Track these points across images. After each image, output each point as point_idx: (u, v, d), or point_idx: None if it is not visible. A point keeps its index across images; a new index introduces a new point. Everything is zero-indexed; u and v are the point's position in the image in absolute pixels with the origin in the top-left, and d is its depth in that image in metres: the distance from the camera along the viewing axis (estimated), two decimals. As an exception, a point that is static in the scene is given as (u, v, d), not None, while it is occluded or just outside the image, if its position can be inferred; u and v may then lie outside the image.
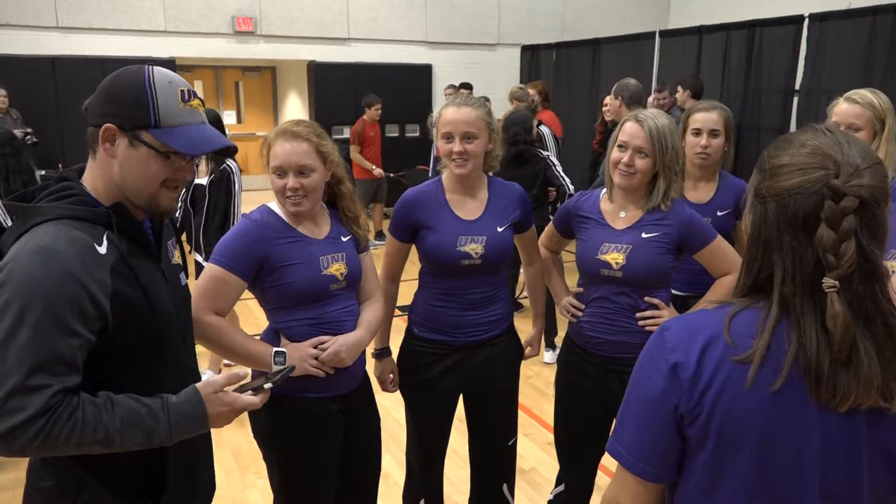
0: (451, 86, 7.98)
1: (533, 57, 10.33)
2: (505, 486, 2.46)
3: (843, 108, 2.30)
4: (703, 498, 1.01)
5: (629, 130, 2.07)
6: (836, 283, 0.91)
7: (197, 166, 3.90)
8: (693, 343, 1.00)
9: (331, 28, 9.55)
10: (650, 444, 1.03)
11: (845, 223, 0.91)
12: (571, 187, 4.39)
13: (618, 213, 2.16)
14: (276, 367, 1.84)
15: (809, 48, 6.53)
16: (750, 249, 1.02)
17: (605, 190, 2.21)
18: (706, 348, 0.98)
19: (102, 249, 1.28)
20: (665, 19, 10.82)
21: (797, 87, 6.68)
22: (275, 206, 1.95)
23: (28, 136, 7.19)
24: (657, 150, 2.05)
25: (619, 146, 2.09)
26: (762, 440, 0.95)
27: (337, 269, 1.93)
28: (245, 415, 2.05)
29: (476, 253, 2.14)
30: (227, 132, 7.31)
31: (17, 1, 8.05)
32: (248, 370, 1.83)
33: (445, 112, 2.12)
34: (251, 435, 2.04)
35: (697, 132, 2.58)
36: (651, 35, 8.31)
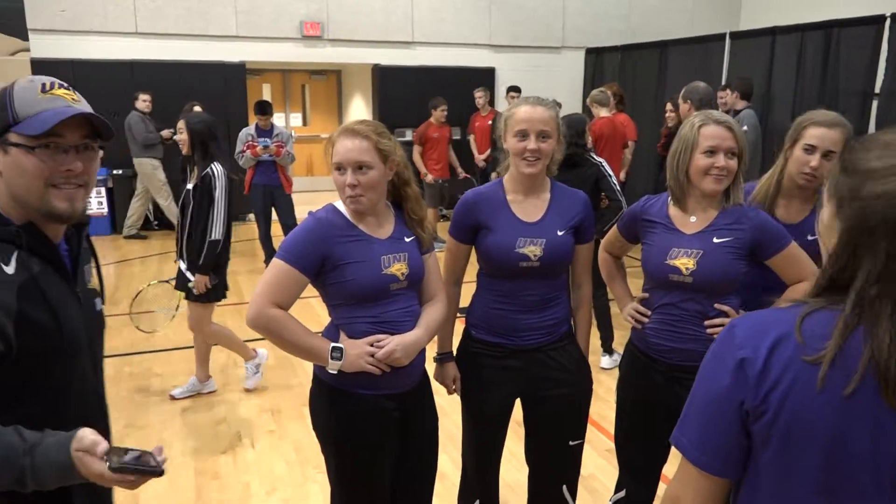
0: (513, 87, 8.00)
1: (598, 60, 10.21)
2: (565, 488, 2.42)
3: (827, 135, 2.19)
4: (769, 497, 1.01)
5: (716, 134, 2.02)
6: None
7: (190, 172, 3.86)
8: (763, 340, 0.99)
9: (395, 32, 9.67)
10: (715, 438, 1.03)
11: None
12: (624, 200, 4.32)
13: (688, 218, 2.12)
14: (331, 363, 1.89)
15: (891, 49, 6.24)
16: (837, 250, 0.99)
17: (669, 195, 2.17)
18: (775, 346, 0.98)
19: (10, 269, 1.23)
20: (736, 20, 10.52)
21: (877, 90, 6.40)
22: (340, 204, 1.99)
23: (174, 138, 7.63)
24: (741, 150, 2.04)
25: (708, 151, 2.02)
26: (830, 443, 0.94)
27: (398, 269, 1.96)
28: (304, 408, 2.10)
29: (534, 255, 2.13)
30: (293, 134, 7.53)
31: (101, 9, 8.46)
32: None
33: (519, 110, 2.11)
34: (312, 429, 2.09)
35: (811, 149, 2.20)
36: (721, 37, 8.10)
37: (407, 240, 2.03)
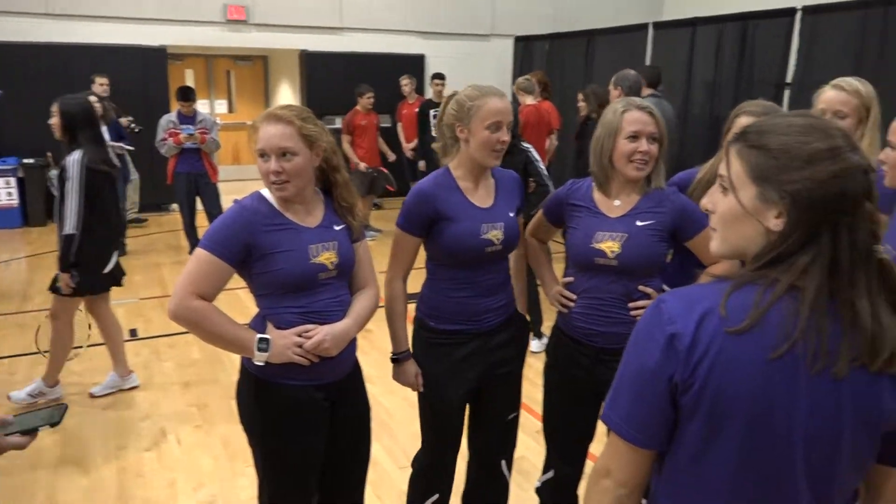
0: (437, 75, 7.99)
1: (526, 48, 10.30)
2: (503, 463, 2.48)
3: (829, 96, 2.34)
4: (693, 465, 1.05)
5: (638, 119, 2.06)
6: (889, 247, 1.00)
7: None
8: (690, 315, 1.02)
9: (323, 17, 9.50)
10: (644, 413, 1.06)
11: (875, 192, 0.99)
12: (550, 184, 4.39)
13: (612, 202, 2.16)
14: (257, 354, 1.85)
15: (801, 41, 6.54)
16: (787, 229, 1.01)
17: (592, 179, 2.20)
18: (702, 320, 1.01)
19: None
20: (659, 11, 10.81)
21: (789, 80, 6.70)
22: (266, 192, 1.94)
23: (132, 126, 7.18)
24: (662, 135, 2.09)
25: (631, 136, 2.05)
26: (752, 410, 0.99)
27: (327, 258, 1.93)
28: (232, 402, 2.05)
29: (497, 239, 2.17)
30: (217, 121, 7.31)
31: (5, -14, 7.98)
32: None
33: (493, 102, 2.09)
34: (240, 422, 2.04)
35: (633, 137, 2.22)
36: (644, 27, 8.30)
37: (336, 228, 2.00)
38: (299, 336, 1.88)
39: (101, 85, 7.47)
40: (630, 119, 2.06)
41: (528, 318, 2.55)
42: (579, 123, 5.84)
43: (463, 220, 2.14)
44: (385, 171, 7.77)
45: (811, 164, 0.98)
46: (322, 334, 1.88)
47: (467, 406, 2.40)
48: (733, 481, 1.02)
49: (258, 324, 1.95)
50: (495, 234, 2.16)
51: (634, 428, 1.07)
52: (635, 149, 2.06)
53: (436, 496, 2.43)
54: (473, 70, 9.60)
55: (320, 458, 2.05)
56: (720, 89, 7.30)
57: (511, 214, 2.23)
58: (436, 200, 2.14)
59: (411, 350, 2.30)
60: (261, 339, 1.86)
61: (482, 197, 2.20)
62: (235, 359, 2.07)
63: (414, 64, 9.85)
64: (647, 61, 8.05)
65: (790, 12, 6.62)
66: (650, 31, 8.21)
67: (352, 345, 2.04)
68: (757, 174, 1.02)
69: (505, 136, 2.10)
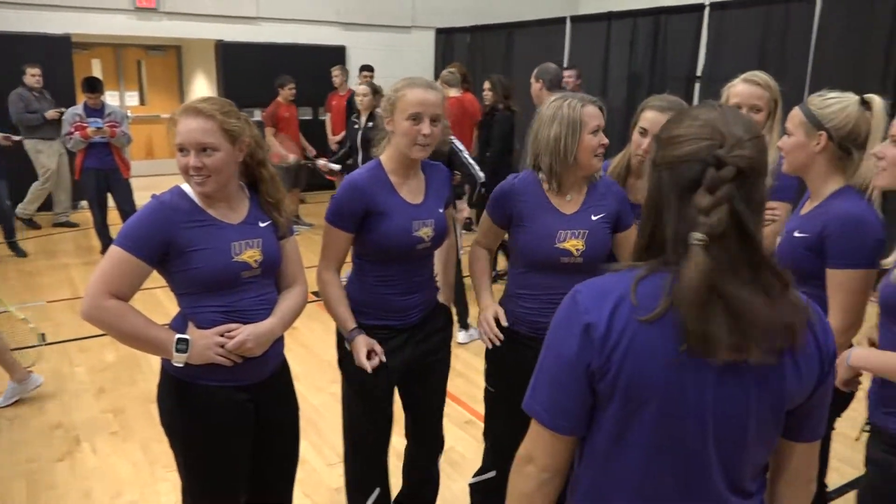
0: (366, 66, 7.89)
1: (447, 40, 10.33)
2: (438, 455, 2.53)
3: (744, 90, 2.40)
4: (611, 448, 1.09)
5: (596, 113, 2.07)
6: (705, 237, 0.97)
7: None
8: (603, 304, 1.05)
9: (239, 6, 9.22)
10: (564, 401, 1.10)
11: (723, 190, 0.98)
12: (481, 175, 4.41)
13: (564, 197, 2.12)
14: (176, 355, 1.79)
15: (710, 36, 6.82)
16: (644, 212, 1.09)
17: (538, 174, 2.14)
18: (615, 309, 1.04)
19: None
20: (576, 5, 11.03)
21: (699, 73, 6.97)
22: (187, 187, 1.87)
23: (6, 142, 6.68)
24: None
25: (594, 131, 2.05)
26: (664, 395, 1.03)
27: (250, 255, 1.87)
28: (151, 406, 1.98)
29: (428, 236, 2.16)
30: (128, 113, 6.99)
31: None
32: None
33: (412, 93, 2.03)
34: (160, 426, 1.97)
35: (644, 132, 2.29)
36: (562, 20, 8.46)
37: (262, 225, 1.94)
38: (221, 336, 1.82)
39: (32, 76, 7.05)
40: (591, 114, 2.05)
41: (453, 309, 2.53)
42: (484, 113, 5.83)
43: (394, 216, 2.10)
44: (306, 162, 7.60)
45: (664, 147, 1.05)
46: (245, 334, 1.83)
47: (401, 400, 2.41)
48: (648, 462, 1.06)
49: (179, 323, 1.88)
50: (426, 231, 2.15)
51: (555, 415, 1.10)
52: (598, 143, 2.08)
53: (377, 491, 2.40)
54: (396, 62, 9.55)
55: (246, 460, 2.00)
56: (636, 82, 7.53)
57: (440, 210, 2.22)
58: (367, 195, 2.09)
59: (342, 342, 2.27)
60: (179, 340, 1.80)
61: (413, 192, 2.17)
62: (153, 361, 2.00)
63: (335, 55, 9.70)
64: (566, 54, 8.22)
65: (699, 8, 6.89)
66: (568, 24, 8.38)
67: (278, 344, 1.99)
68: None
69: (426, 129, 2.03)
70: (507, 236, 2.32)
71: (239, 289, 1.86)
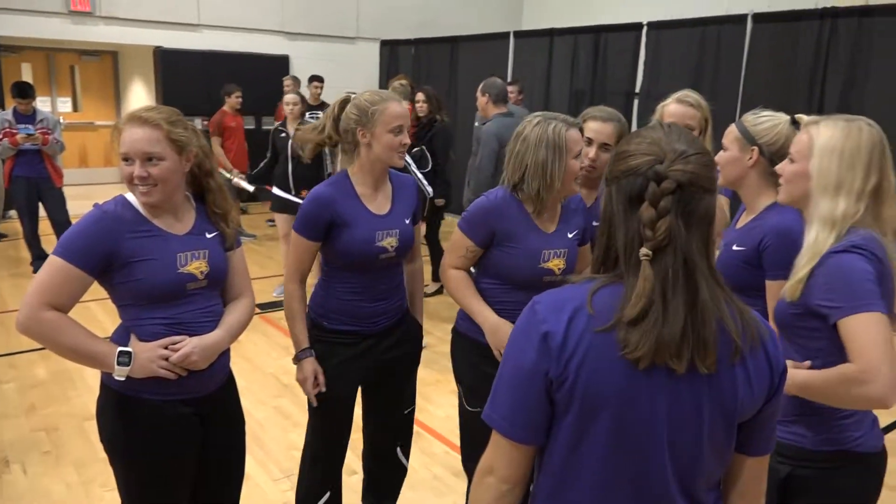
0: (315, 77, 7.80)
1: (392, 52, 10.36)
2: (399, 449, 2.55)
3: (676, 109, 2.52)
4: (569, 456, 1.10)
5: (578, 137, 2.08)
6: (650, 252, 1.03)
7: None
8: (561, 314, 1.08)
9: (179, 12, 9.04)
10: (524, 410, 1.10)
11: (663, 203, 1.03)
12: (430, 189, 4.45)
13: (543, 216, 2.13)
14: (118, 368, 1.74)
15: (648, 54, 7.04)
16: (600, 226, 1.13)
17: (506, 190, 2.12)
18: (572, 319, 1.07)
19: None
20: (519, 20, 11.23)
21: (637, 90, 7.19)
22: (131, 196, 1.82)
23: None
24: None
25: (577, 156, 2.06)
26: (619, 405, 1.05)
27: (196, 266, 1.84)
28: (86, 423, 1.91)
29: (392, 246, 2.22)
30: (61, 120, 6.74)
31: None
32: None
33: (395, 106, 2.15)
34: (97, 443, 1.90)
35: (589, 142, 2.33)
36: (506, 35, 8.60)
37: (208, 236, 1.91)
38: (165, 348, 1.78)
39: None
40: (574, 138, 2.06)
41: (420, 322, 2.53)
42: (420, 126, 5.82)
43: (358, 226, 2.16)
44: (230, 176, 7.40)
45: (617, 161, 1.10)
46: (190, 346, 1.79)
47: (362, 403, 2.46)
48: (605, 471, 1.08)
49: (121, 336, 1.83)
50: (390, 241, 2.21)
51: (514, 424, 1.11)
52: (581, 165, 2.12)
53: (328, 495, 2.41)
54: (342, 73, 9.52)
55: (190, 476, 1.95)
56: (577, 97, 7.70)
57: (407, 221, 2.27)
58: (333, 205, 2.15)
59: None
60: (121, 353, 1.75)
61: (379, 203, 2.23)
62: (88, 376, 1.94)
63: (278, 65, 9.61)
64: (510, 68, 8.35)
65: (637, 27, 7.11)
66: (511, 39, 8.52)
67: (224, 356, 1.96)
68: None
69: (406, 139, 2.17)
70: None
71: (184, 300, 1.83)
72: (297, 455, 3.27)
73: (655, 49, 6.96)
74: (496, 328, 2.09)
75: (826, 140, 1.56)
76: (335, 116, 2.21)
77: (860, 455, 1.56)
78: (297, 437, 3.47)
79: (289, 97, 5.66)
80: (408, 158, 4.39)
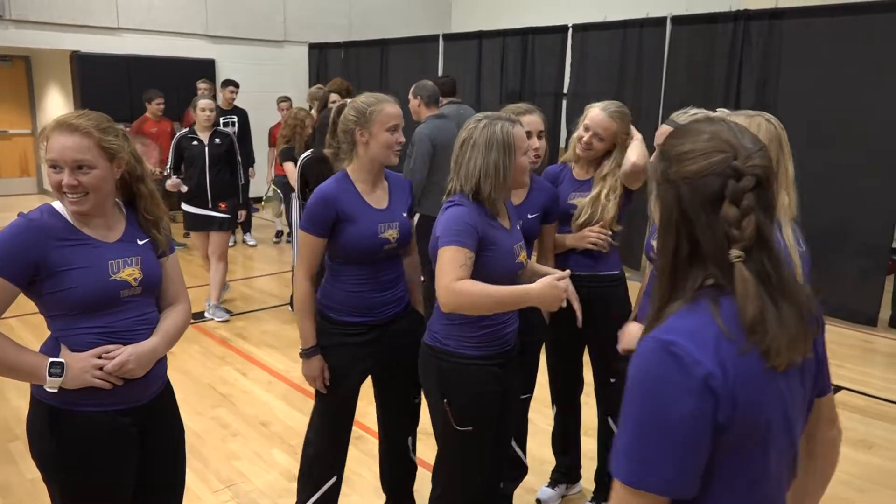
0: (206, 80, 7.62)
1: (321, 55, 10.27)
2: (409, 440, 2.67)
3: (600, 118, 2.58)
4: (718, 485, 1.04)
5: (524, 135, 2.12)
6: (742, 253, 1.01)
7: None
8: (706, 348, 0.99)
9: (96, 16, 8.71)
10: (694, 466, 1.00)
11: (746, 201, 1.01)
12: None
13: (499, 214, 2.13)
14: (49, 380, 1.68)
15: (574, 55, 7.21)
16: (664, 231, 1.08)
17: (463, 196, 2.08)
18: (717, 350, 0.99)
19: None
20: (448, 23, 11.30)
21: (565, 90, 7.35)
22: (59, 205, 1.77)
23: None
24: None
25: (525, 153, 2.11)
26: (766, 416, 1.03)
27: (129, 274, 1.79)
28: (10, 445, 1.82)
29: (393, 238, 2.35)
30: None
31: None
32: None
33: (391, 107, 2.30)
34: (20, 466, 1.82)
35: (528, 134, 2.33)
36: (436, 38, 8.65)
37: (140, 242, 1.87)
38: (99, 357, 1.73)
39: None
40: (521, 135, 2.07)
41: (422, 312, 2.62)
42: (280, 126, 5.76)
43: (361, 220, 2.30)
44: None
45: (681, 161, 1.06)
46: (125, 354, 1.75)
47: (375, 396, 2.61)
48: (749, 486, 1.05)
49: (50, 349, 1.76)
50: (391, 233, 2.35)
51: (685, 484, 1.00)
52: (529, 160, 2.17)
53: (332, 481, 2.51)
54: (269, 76, 9.38)
55: (130, 489, 1.90)
56: (507, 99, 7.81)
57: (404, 215, 2.42)
58: (337, 203, 2.28)
59: (318, 337, 2.42)
60: (53, 364, 1.69)
61: (378, 198, 2.38)
62: (9, 390, 1.85)
63: (204, 69, 9.38)
64: (440, 71, 8.40)
65: (563, 29, 7.27)
66: (441, 42, 8.57)
67: (161, 364, 1.91)
68: (651, 176, 1.15)
69: (401, 138, 2.32)
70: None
71: (118, 309, 1.78)
72: (238, 465, 3.23)
73: (581, 51, 7.13)
74: (542, 293, 1.95)
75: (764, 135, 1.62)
76: (334, 121, 2.37)
77: None
78: (236, 447, 3.42)
79: (204, 102, 5.28)
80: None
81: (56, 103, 10.23)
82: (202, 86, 7.72)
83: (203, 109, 5.22)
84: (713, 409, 0.97)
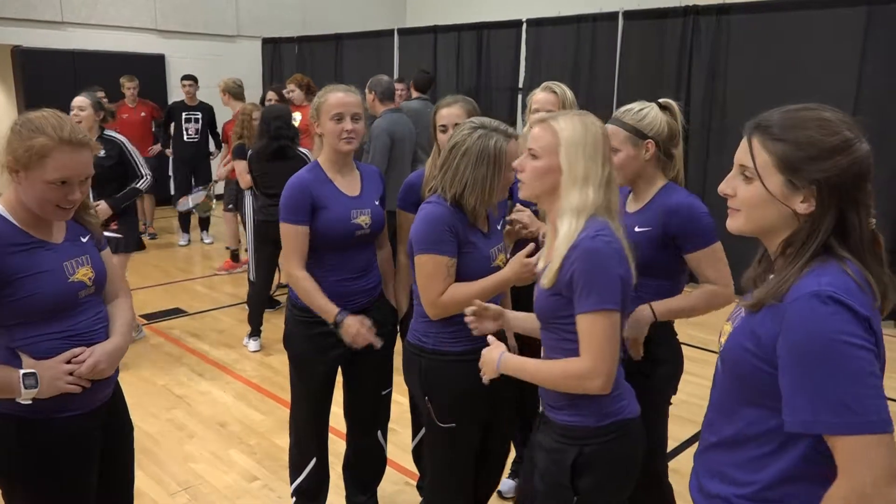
0: (188, 76, 7.47)
1: (275, 50, 10.12)
2: (379, 433, 2.68)
3: (542, 97, 2.63)
4: None
5: (517, 150, 2.02)
6: (874, 220, 1.17)
7: None
8: (860, 298, 1.11)
9: (38, 9, 8.43)
10: (883, 398, 1.10)
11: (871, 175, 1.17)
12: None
13: (478, 220, 2.09)
14: (25, 392, 1.62)
15: (528, 50, 7.26)
16: (823, 216, 1.16)
17: (440, 199, 2.05)
18: (865, 301, 1.12)
19: None
20: (403, 17, 11.26)
21: (521, 85, 7.40)
22: (4, 211, 1.70)
23: None
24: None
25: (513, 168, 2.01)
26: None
27: (84, 273, 1.76)
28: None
29: (366, 224, 2.39)
30: None
31: None
32: None
33: (334, 96, 2.32)
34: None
35: (444, 128, 2.44)
36: (391, 32, 8.61)
37: (84, 240, 1.84)
38: (68, 362, 1.69)
39: None
40: (512, 151, 2.00)
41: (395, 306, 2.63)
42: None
43: (335, 206, 2.34)
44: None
45: (834, 155, 1.14)
46: (96, 356, 1.72)
47: (343, 385, 2.62)
48: None
49: (7, 359, 1.68)
50: (364, 219, 2.38)
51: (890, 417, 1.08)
52: (515, 176, 2.04)
53: (313, 461, 2.56)
54: (222, 71, 9.15)
55: (94, 494, 1.86)
56: (464, 93, 7.79)
57: (376, 203, 2.46)
58: (311, 189, 2.33)
59: (288, 326, 2.49)
60: (26, 375, 1.62)
61: (350, 186, 2.42)
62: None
63: (153, 64, 9.17)
64: (395, 65, 8.37)
65: (517, 24, 7.32)
66: (396, 36, 8.54)
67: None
68: (785, 164, 1.17)
69: (349, 126, 2.31)
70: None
71: (76, 310, 1.75)
72: (195, 467, 3.18)
73: (536, 45, 7.19)
74: (518, 273, 1.97)
75: (570, 135, 1.62)
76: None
77: (629, 421, 1.66)
78: (193, 448, 3.36)
79: (76, 100, 4.04)
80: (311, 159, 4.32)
81: (-2, 100, 9.88)
82: (127, 84, 7.34)
83: (73, 109, 3.94)
84: (873, 345, 1.09)
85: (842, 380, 1.07)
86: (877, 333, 1.10)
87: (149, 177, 4.22)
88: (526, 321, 1.90)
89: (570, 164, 1.61)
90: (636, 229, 2.00)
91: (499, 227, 2.22)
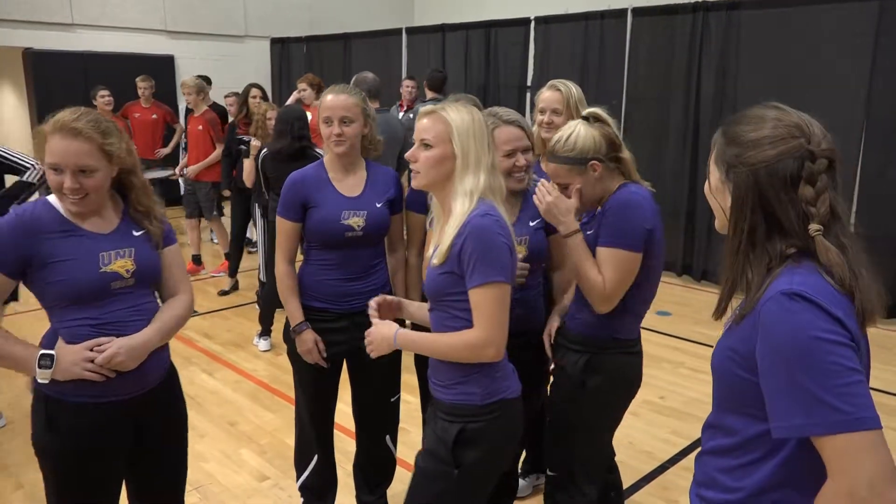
0: (145, 78, 7.39)
1: (283, 50, 10.15)
2: (388, 438, 2.67)
3: (547, 95, 2.65)
4: None
5: (511, 136, 2.14)
6: (821, 227, 1.11)
7: None
8: (829, 299, 1.07)
9: (49, 11, 8.48)
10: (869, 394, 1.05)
11: (820, 182, 1.11)
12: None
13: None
14: (39, 372, 1.71)
15: (537, 47, 7.24)
16: (741, 211, 1.16)
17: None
18: (839, 302, 1.08)
19: None
20: (411, 16, 11.26)
21: (529, 82, 7.38)
22: (54, 199, 1.79)
23: None
24: (533, 144, 2.27)
25: (508, 154, 2.13)
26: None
27: (122, 265, 1.80)
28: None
29: (358, 226, 2.35)
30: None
31: None
32: None
33: (325, 98, 2.34)
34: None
35: (543, 111, 2.66)
36: (399, 31, 8.61)
37: (135, 234, 1.88)
38: (91, 350, 1.73)
39: None
40: (503, 138, 2.08)
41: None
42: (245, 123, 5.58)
43: (325, 206, 2.34)
44: None
45: (758, 147, 1.15)
46: (115, 348, 1.74)
47: (351, 390, 2.61)
48: None
49: (50, 339, 1.79)
50: (356, 220, 2.35)
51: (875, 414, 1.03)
52: (514, 163, 2.12)
53: (315, 459, 2.59)
54: (232, 72, 9.24)
55: (118, 480, 1.92)
56: (472, 91, 7.82)
57: (378, 205, 2.39)
58: (304, 187, 2.35)
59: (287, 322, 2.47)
60: (43, 356, 1.70)
61: (350, 187, 2.40)
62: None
63: (163, 65, 9.22)
64: (404, 64, 8.38)
65: (525, 22, 7.30)
66: (404, 35, 8.54)
67: (160, 355, 1.91)
68: (719, 158, 1.21)
69: (336, 129, 2.30)
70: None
71: (109, 300, 1.79)
72: (205, 467, 3.20)
73: (544, 43, 7.17)
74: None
75: (461, 123, 1.72)
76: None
77: (511, 401, 1.76)
78: (203, 448, 3.38)
79: None
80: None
81: (9, 102, 9.97)
82: (142, 84, 7.32)
83: None
84: (849, 342, 1.05)
85: (820, 377, 1.02)
86: (852, 332, 1.05)
87: (37, 166, 3.22)
88: (421, 310, 1.98)
89: (463, 151, 1.71)
90: (588, 232, 2.01)
91: (532, 224, 2.20)
